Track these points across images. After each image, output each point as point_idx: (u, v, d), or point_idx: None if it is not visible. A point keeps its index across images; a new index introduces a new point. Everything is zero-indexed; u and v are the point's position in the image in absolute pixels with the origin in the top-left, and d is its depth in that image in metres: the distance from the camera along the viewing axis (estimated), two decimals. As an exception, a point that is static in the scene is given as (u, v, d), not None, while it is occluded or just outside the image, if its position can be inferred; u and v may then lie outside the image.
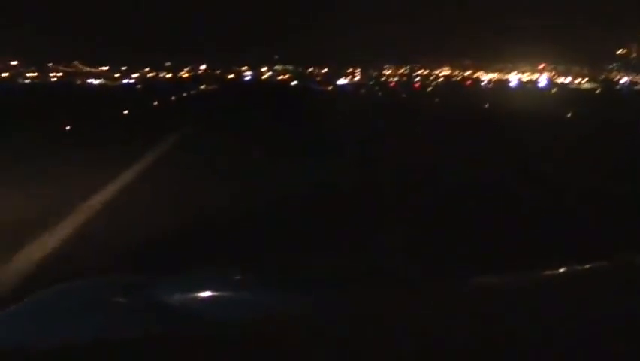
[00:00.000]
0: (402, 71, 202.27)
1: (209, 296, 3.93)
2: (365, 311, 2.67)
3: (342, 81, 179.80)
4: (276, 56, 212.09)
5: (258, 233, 18.25)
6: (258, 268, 4.82)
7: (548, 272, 3.33)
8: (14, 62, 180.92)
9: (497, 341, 2.31)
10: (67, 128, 46.08)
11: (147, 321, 3.58)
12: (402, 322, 2.50)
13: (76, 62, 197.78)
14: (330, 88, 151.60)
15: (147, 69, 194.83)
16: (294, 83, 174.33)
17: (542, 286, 2.98)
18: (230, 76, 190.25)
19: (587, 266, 3.35)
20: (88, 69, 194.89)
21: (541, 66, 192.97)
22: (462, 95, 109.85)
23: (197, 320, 3.52)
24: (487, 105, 78.56)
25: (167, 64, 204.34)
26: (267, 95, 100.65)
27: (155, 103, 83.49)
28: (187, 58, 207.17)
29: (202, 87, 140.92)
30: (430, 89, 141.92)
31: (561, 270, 3.36)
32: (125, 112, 66.06)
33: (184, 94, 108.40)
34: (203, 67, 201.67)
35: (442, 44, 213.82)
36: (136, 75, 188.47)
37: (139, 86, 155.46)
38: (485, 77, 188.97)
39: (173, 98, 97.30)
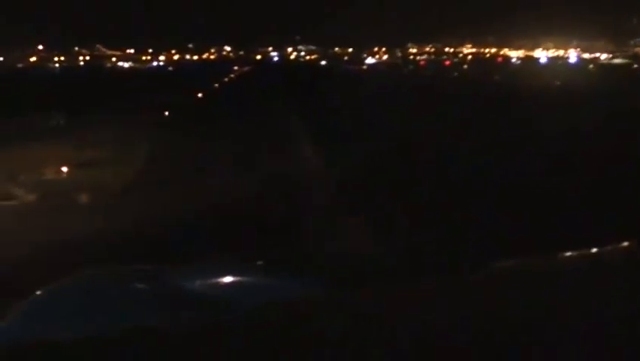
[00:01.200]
0: (427, 49, 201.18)
1: (229, 282, 4.06)
2: (365, 311, 2.71)
3: (370, 60, 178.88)
4: (298, 37, 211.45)
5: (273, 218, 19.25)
6: (270, 256, 4.95)
7: (547, 270, 3.31)
8: (40, 47, 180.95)
9: (497, 340, 2.36)
10: (167, 113, 46.09)
11: (165, 307, 3.86)
12: (402, 322, 2.54)
13: (98, 46, 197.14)
14: (365, 67, 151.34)
15: (173, 51, 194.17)
16: (323, 62, 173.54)
17: (541, 285, 2.96)
18: (258, 57, 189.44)
19: (588, 258, 3.40)
20: (110, 52, 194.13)
21: (567, 42, 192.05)
22: (514, 73, 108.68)
23: (214, 306, 3.72)
24: (558, 83, 78.44)
25: (190, 45, 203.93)
26: (301, 76, 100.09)
27: (216, 85, 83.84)
28: (207, 39, 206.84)
29: (235, 68, 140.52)
30: (465, 66, 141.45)
31: (560, 265, 3.38)
32: (199, 95, 65.86)
33: (231, 75, 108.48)
34: (228, 48, 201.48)
35: (462, 23, 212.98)
36: (162, 58, 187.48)
37: (170, 68, 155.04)
38: (513, 54, 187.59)
39: (226, 79, 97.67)
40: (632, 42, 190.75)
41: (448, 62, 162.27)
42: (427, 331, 2.40)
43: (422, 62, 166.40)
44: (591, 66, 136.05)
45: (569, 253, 3.36)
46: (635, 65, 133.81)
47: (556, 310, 2.54)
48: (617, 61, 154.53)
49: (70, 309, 3.90)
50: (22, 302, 3.99)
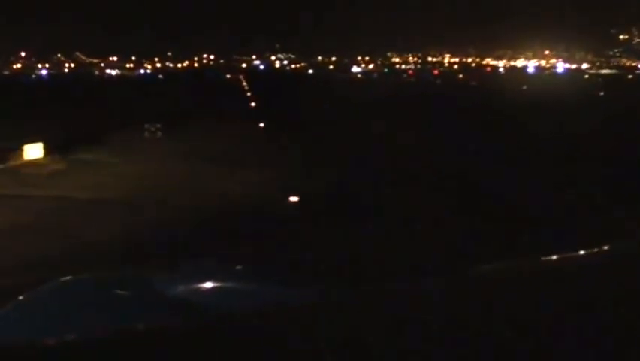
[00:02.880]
0: (410, 58, 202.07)
1: (211, 287, 4.13)
2: (366, 310, 2.73)
3: (356, 69, 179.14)
4: (278, 45, 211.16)
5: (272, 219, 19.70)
6: (260, 260, 5.18)
7: (543, 270, 3.34)
8: (22, 54, 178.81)
9: (495, 339, 2.36)
10: (262, 125, 45.62)
11: (150, 311, 3.94)
12: (402, 322, 2.53)
13: (77, 53, 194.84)
14: (360, 76, 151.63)
15: (156, 59, 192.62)
16: (310, 71, 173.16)
17: (541, 284, 2.99)
18: (243, 65, 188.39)
19: (584, 259, 3.44)
20: (90, 60, 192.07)
21: (546, 52, 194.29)
22: (533, 82, 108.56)
23: (199, 311, 3.84)
24: (602, 93, 79.44)
25: (169, 54, 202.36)
26: (298, 83, 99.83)
27: (249, 94, 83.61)
28: (183, 47, 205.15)
29: (228, 76, 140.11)
30: (461, 75, 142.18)
31: (557, 265, 3.41)
32: (253, 104, 65.17)
33: (244, 83, 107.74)
34: (211, 56, 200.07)
35: (440, 32, 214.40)
36: (145, 65, 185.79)
37: (160, 76, 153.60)
38: (499, 64, 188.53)
39: (246, 86, 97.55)
40: (610, 52, 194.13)
41: (436, 71, 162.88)
42: (426, 331, 2.42)
43: (410, 72, 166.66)
44: (586, 76, 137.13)
45: (565, 254, 3.42)
46: (631, 75, 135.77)
47: (553, 310, 2.58)
48: (603, 72, 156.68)
49: (53, 312, 3.95)
50: (11, 302, 4.04)
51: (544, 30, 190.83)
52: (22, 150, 33.12)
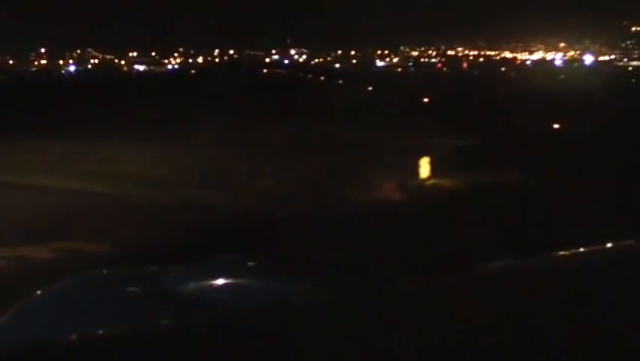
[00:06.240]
0: (430, 52, 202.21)
1: (223, 284, 4.09)
2: (366, 309, 2.72)
3: (380, 63, 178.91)
4: (289, 40, 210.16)
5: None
6: (270, 256, 5.30)
7: (546, 269, 3.28)
8: (42, 50, 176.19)
9: (497, 340, 2.35)
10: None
11: (162, 309, 3.91)
12: (402, 321, 2.53)
13: (90, 49, 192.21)
14: (400, 70, 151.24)
15: (176, 54, 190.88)
16: (337, 65, 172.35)
17: (541, 284, 2.95)
18: (266, 60, 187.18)
19: (586, 257, 3.37)
20: (103, 56, 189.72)
21: (561, 45, 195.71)
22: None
23: (211, 308, 3.80)
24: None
25: (181, 49, 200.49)
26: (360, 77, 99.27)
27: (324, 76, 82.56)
28: (198, 43, 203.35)
29: (265, 71, 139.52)
30: (504, 68, 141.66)
31: (559, 260, 3.36)
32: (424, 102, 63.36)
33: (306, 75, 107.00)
34: (230, 51, 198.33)
35: (452, 25, 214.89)
36: (165, 60, 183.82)
37: (193, 71, 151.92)
38: (523, 57, 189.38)
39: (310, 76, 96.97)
40: (622, 44, 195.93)
41: (465, 64, 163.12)
42: (426, 331, 2.38)
43: (440, 65, 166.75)
44: (630, 68, 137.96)
45: (565, 254, 3.36)
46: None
47: (553, 309, 2.53)
48: (634, 63, 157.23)
49: (64, 310, 3.96)
50: (20, 301, 4.04)
51: (554, 22, 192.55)
52: (419, 166, 27.18)
